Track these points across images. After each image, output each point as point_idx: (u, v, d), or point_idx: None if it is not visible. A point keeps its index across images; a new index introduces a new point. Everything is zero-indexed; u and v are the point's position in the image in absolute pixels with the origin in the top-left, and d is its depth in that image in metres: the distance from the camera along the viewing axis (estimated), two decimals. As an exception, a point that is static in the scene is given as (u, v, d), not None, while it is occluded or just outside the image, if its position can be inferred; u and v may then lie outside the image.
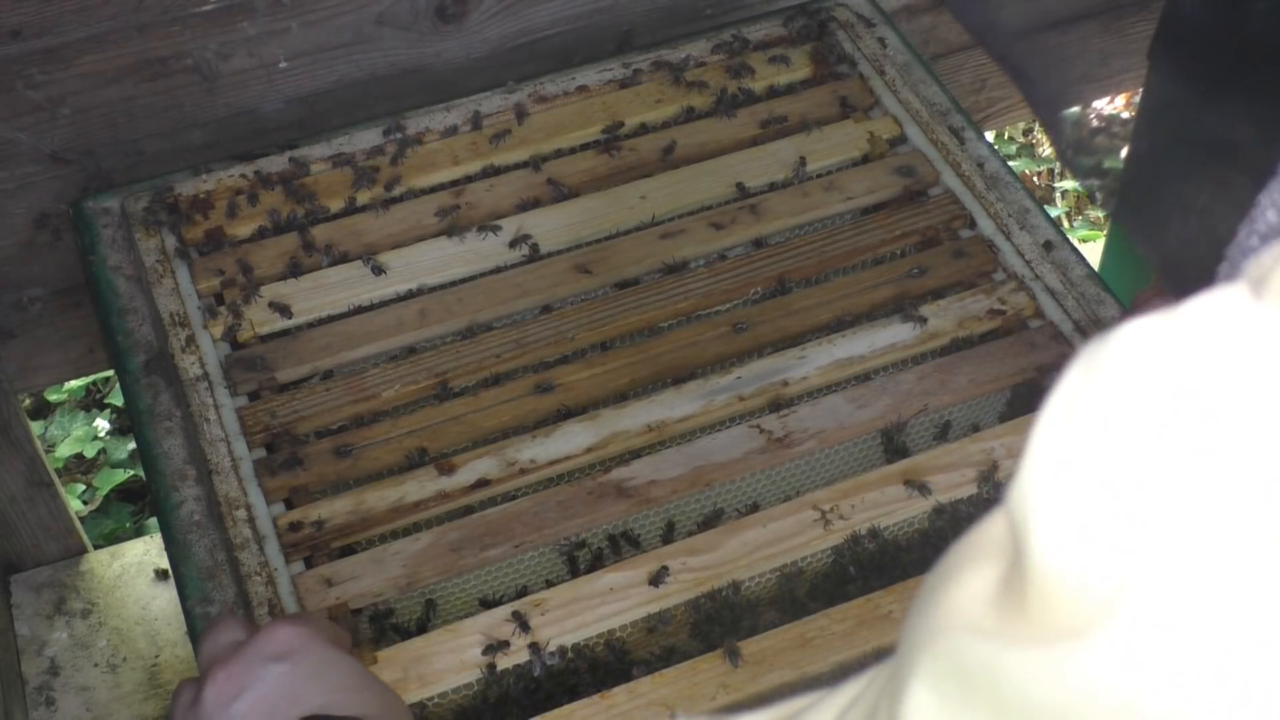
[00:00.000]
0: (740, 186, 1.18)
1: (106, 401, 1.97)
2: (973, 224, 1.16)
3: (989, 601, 0.30)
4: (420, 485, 0.99)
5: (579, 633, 0.92)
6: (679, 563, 0.95)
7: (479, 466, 1.00)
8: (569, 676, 0.92)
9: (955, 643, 0.30)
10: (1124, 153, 1.28)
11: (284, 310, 1.08)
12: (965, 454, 1.01)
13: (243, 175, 1.18)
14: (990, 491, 0.99)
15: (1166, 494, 0.26)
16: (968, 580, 0.32)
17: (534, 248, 1.13)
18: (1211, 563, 0.25)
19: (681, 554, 0.96)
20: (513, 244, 1.13)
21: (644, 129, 1.23)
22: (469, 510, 0.99)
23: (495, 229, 1.14)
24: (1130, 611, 0.26)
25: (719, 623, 0.94)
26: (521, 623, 0.91)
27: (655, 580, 0.94)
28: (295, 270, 1.11)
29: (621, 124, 1.22)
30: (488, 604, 0.95)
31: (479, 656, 0.90)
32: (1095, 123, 2.40)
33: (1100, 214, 2.32)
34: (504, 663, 0.90)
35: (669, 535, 0.98)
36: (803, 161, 1.19)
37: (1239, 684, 0.25)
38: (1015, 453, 0.99)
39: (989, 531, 0.33)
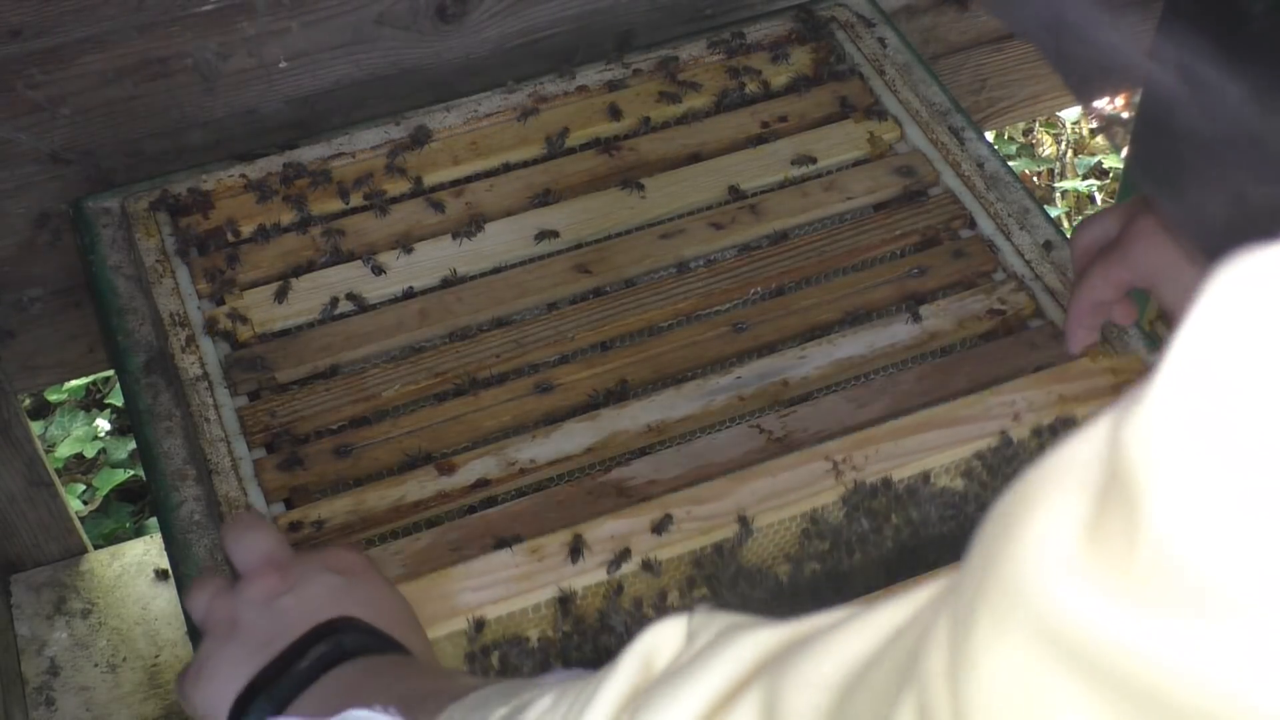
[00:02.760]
0: (740, 186, 1.18)
1: (106, 401, 1.97)
2: (973, 224, 1.16)
3: (1079, 537, 0.27)
4: (420, 485, 0.99)
5: (578, 579, 0.91)
6: (684, 511, 0.93)
7: (479, 466, 1.00)
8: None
9: (1037, 585, 0.27)
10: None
11: (281, 294, 1.08)
12: (985, 407, 0.99)
13: (243, 175, 1.18)
14: (1009, 445, 0.97)
15: None
16: (1053, 509, 0.28)
17: (552, 236, 1.13)
18: None
19: (687, 502, 0.94)
20: (538, 237, 1.13)
21: (645, 129, 1.23)
22: (470, 510, 0.99)
23: (482, 228, 1.14)
24: (1269, 621, 0.23)
25: (719, 580, 0.93)
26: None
27: (659, 528, 0.92)
28: (295, 270, 1.11)
29: (566, 130, 1.22)
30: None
31: (470, 600, 0.89)
32: (1095, 123, 2.40)
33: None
34: (494, 611, 0.89)
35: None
36: (804, 160, 1.19)
37: None
38: (1036, 407, 0.97)
39: (1076, 455, 0.29)
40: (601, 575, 0.90)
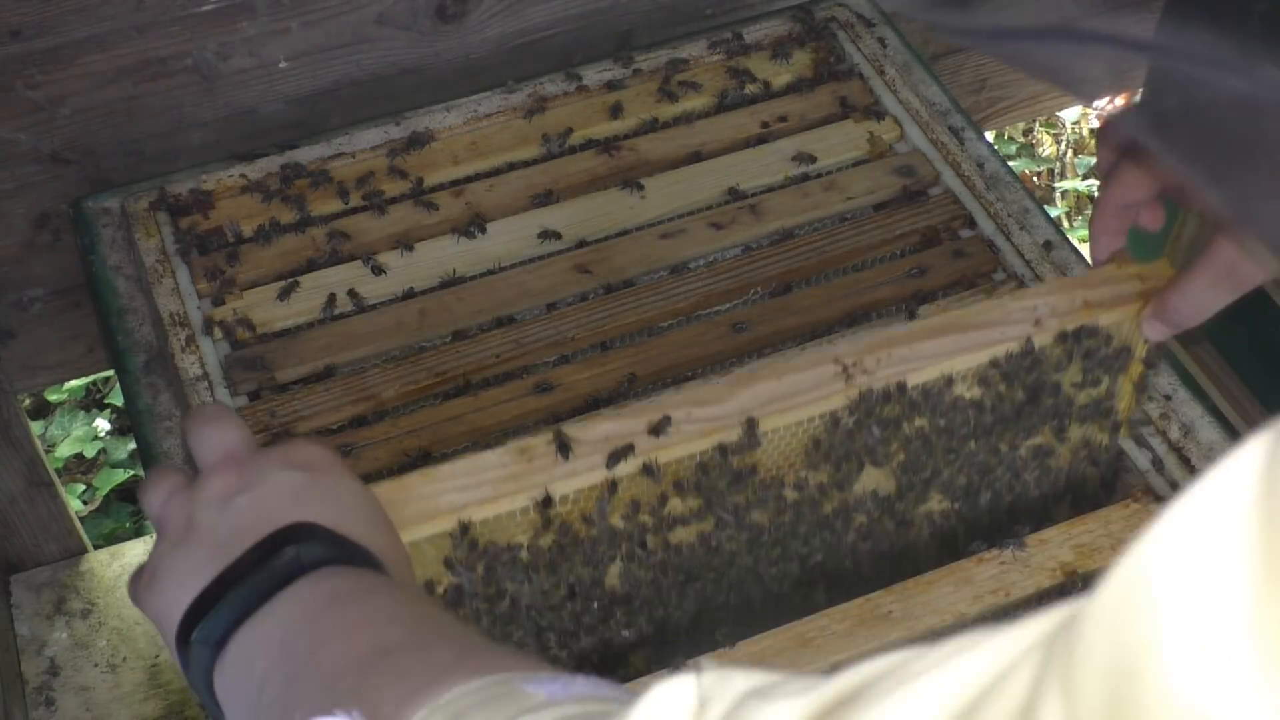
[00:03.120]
0: (740, 187, 1.18)
1: (106, 401, 1.97)
2: (972, 224, 1.16)
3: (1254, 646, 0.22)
4: (420, 485, 0.99)
5: (569, 482, 0.84)
6: (684, 413, 0.86)
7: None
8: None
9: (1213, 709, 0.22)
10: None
11: (286, 293, 1.08)
12: (1005, 311, 0.92)
13: (243, 175, 1.18)
14: (1030, 352, 0.90)
15: None
16: (1217, 604, 0.22)
17: (555, 237, 1.13)
18: None
19: (688, 404, 0.86)
20: (541, 237, 1.13)
21: (646, 129, 1.23)
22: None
23: (483, 229, 1.14)
24: None
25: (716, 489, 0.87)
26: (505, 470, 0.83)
27: (657, 429, 0.84)
28: (295, 270, 1.11)
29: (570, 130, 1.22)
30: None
31: (455, 500, 0.82)
32: (1095, 122, 2.40)
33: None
34: (481, 513, 0.82)
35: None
36: (806, 159, 1.19)
37: None
38: (1059, 312, 0.90)
39: (1224, 527, 0.24)
40: (595, 478, 0.83)
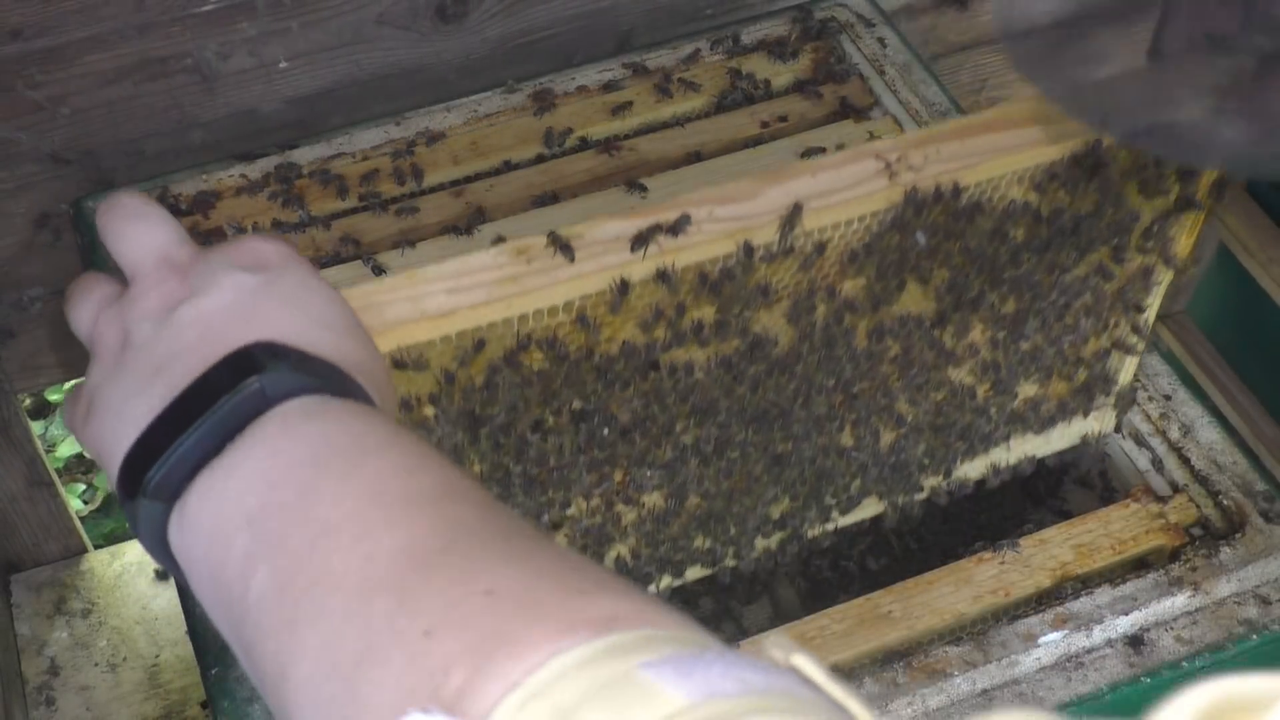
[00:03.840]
0: (740, 186, 1.18)
1: (107, 401, 1.97)
2: (973, 224, 1.15)
3: None
4: (420, 485, 0.98)
5: (572, 286, 0.74)
6: (705, 211, 0.75)
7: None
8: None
9: None
10: None
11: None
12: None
13: (243, 175, 1.18)
14: (1095, 152, 0.79)
15: None
16: None
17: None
18: None
19: (710, 202, 0.76)
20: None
21: (645, 129, 1.23)
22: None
23: (481, 228, 1.14)
24: None
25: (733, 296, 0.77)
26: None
27: (674, 229, 0.74)
28: (295, 270, 1.12)
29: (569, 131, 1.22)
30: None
31: (444, 303, 0.72)
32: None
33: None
34: (472, 319, 0.73)
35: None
36: (815, 152, 1.19)
37: None
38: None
39: None
40: (601, 282, 0.73)
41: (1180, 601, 0.93)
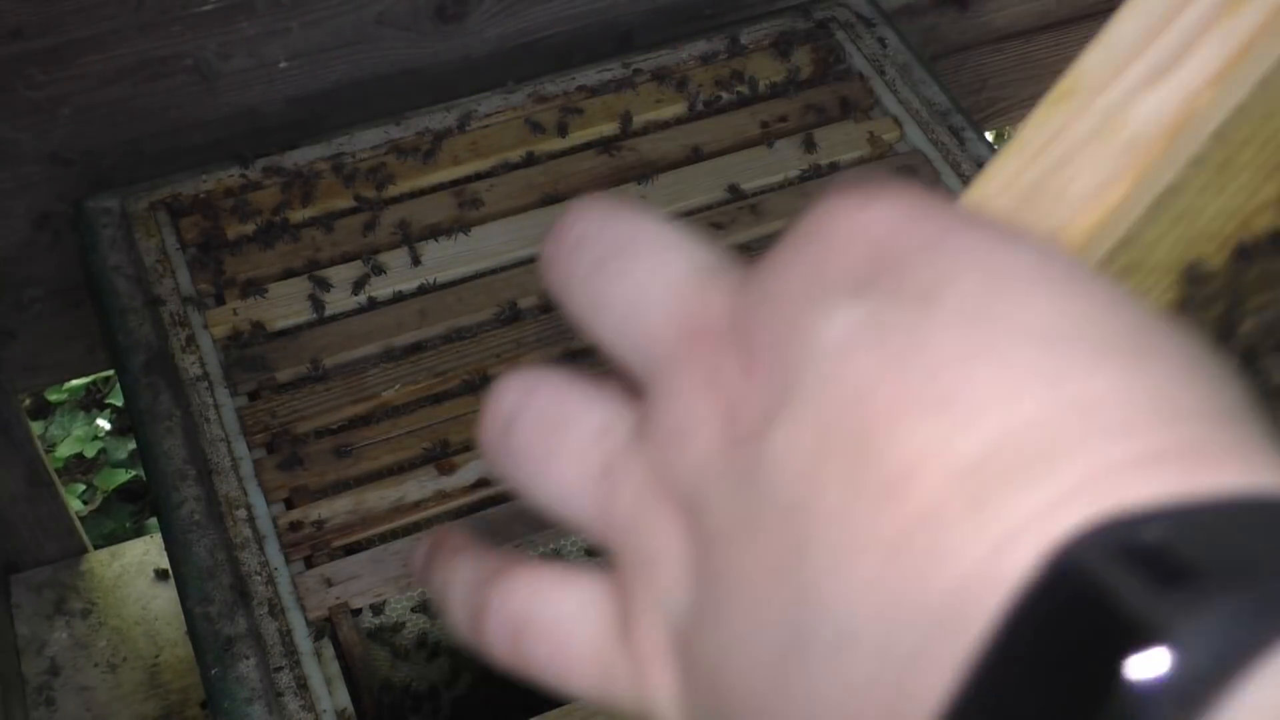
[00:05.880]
0: (741, 186, 1.18)
1: (106, 401, 1.97)
2: (973, 224, 1.16)
3: None
4: (420, 485, 0.99)
5: None
6: None
7: (479, 466, 1.00)
8: None
9: None
10: None
11: (260, 291, 1.08)
12: None
13: (243, 175, 1.18)
14: None
15: None
16: None
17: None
18: None
19: None
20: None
21: (645, 129, 1.23)
22: (471, 509, 0.99)
23: (481, 228, 1.14)
24: None
25: None
26: None
27: None
28: (295, 269, 1.12)
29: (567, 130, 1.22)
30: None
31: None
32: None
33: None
34: None
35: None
36: (811, 147, 1.19)
37: None
38: None
39: None
40: None
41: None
